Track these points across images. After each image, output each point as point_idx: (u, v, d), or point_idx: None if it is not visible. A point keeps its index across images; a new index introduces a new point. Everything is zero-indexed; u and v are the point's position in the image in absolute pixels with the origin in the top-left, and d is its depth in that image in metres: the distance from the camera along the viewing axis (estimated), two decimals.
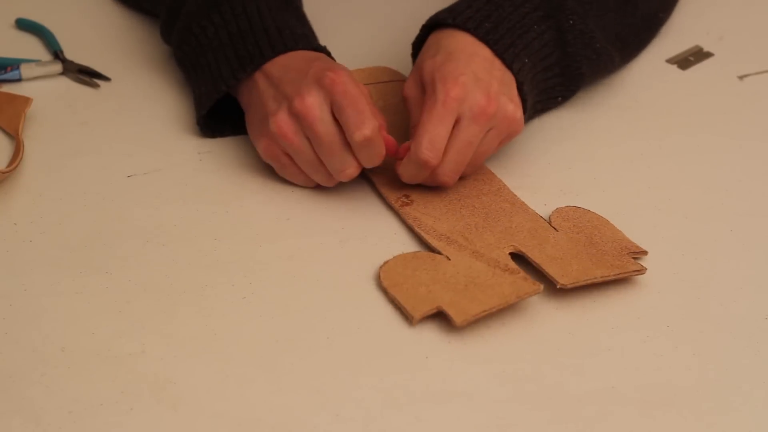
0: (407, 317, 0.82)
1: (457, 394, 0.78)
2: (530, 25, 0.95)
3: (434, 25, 0.95)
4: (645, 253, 0.88)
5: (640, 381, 0.79)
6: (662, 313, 0.85)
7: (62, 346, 0.80)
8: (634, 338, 0.83)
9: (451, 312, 0.81)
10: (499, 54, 0.92)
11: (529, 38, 0.94)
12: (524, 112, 0.94)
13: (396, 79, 1.04)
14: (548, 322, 0.83)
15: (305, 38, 0.95)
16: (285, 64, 0.92)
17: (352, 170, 0.90)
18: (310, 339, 0.81)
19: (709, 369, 0.81)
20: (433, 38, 0.94)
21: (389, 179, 0.94)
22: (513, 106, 0.91)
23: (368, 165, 0.89)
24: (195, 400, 0.77)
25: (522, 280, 0.84)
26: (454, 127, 0.89)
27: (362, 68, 1.04)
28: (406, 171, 0.90)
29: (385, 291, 0.84)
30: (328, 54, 0.97)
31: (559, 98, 1.01)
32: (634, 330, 0.83)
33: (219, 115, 0.99)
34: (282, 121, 0.90)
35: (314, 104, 0.88)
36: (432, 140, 0.88)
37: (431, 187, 0.93)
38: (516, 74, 0.93)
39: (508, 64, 0.92)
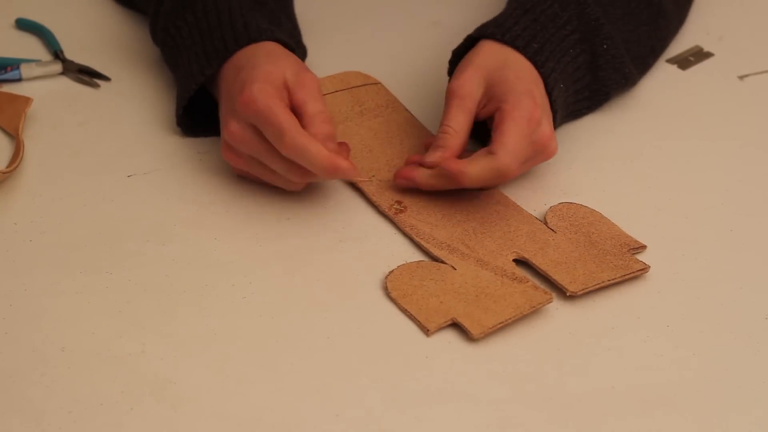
0: (421, 328, 0.82)
1: (457, 394, 0.78)
2: (567, 48, 0.95)
3: (480, 36, 0.94)
4: (644, 247, 0.88)
5: (640, 381, 0.79)
6: (662, 313, 0.85)
7: (62, 346, 0.80)
8: (634, 338, 0.83)
9: (466, 324, 0.81)
10: (544, 78, 0.93)
11: (565, 61, 0.95)
12: None
13: (368, 82, 1.04)
14: (548, 322, 0.83)
15: (269, 32, 0.95)
16: (239, 65, 0.92)
17: (296, 182, 0.89)
18: (310, 339, 0.81)
19: (709, 369, 0.81)
20: (492, 46, 0.93)
21: (378, 188, 0.93)
22: (555, 146, 0.92)
23: (320, 174, 0.87)
24: (195, 400, 0.77)
25: (532, 289, 0.84)
26: None
27: (334, 74, 1.03)
28: (477, 174, 0.88)
29: (394, 302, 0.84)
30: (297, 47, 0.97)
31: (582, 117, 1.02)
32: (634, 330, 0.83)
33: (202, 115, 0.99)
34: (224, 150, 0.91)
35: (236, 130, 0.88)
36: (517, 156, 0.88)
37: (421, 192, 0.92)
38: (552, 103, 0.93)
39: (549, 91, 0.93)
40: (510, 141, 0.88)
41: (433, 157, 0.90)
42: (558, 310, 0.84)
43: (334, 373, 0.79)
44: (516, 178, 0.93)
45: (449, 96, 0.91)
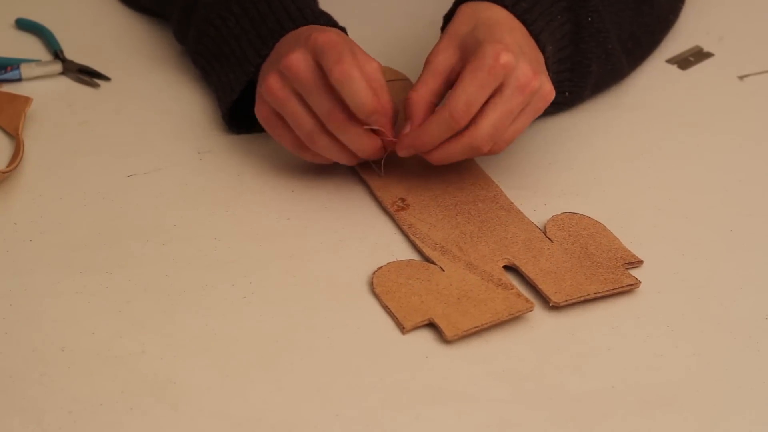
0: (398, 325, 0.82)
1: (457, 394, 0.78)
2: (555, 13, 0.94)
3: None
4: (640, 262, 0.88)
5: (640, 381, 0.79)
6: (662, 313, 0.85)
7: (62, 346, 0.80)
8: (634, 338, 0.83)
9: (442, 325, 0.81)
10: (534, 35, 0.91)
11: (552, 27, 0.94)
12: None
13: (398, 78, 1.04)
14: (548, 321, 0.83)
15: (325, 15, 0.95)
16: (290, 37, 0.92)
17: (325, 142, 0.88)
18: (310, 339, 0.81)
19: (709, 369, 0.81)
20: (467, 9, 0.92)
21: (384, 183, 0.93)
22: (550, 86, 0.89)
23: (356, 110, 0.86)
24: (195, 400, 0.77)
25: (515, 296, 0.84)
26: (494, 94, 0.87)
27: None
28: (431, 130, 0.87)
29: (377, 297, 0.84)
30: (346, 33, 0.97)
31: (566, 93, 1.00)
32: (634, 330, 0.83)
33: (244, 111, 0.99)
34: (271, 79, 0.90)
35: (298, 58, 0.87)
36: (469, 102, 0.85)
37: (427, 191, 0.92)
38: (545, 60, 0.92)
39: (541, 48, 0.91)
40: (460, 92, 0.85)
41: (404, 131, 0.89)
42: (558, 310, 0.84)
43: (334, 373, 0.79)
44: (488, 160, 0.92)
45: (426, 65, 0.90)
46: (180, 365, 0.79)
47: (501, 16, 0.91)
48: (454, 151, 0.89)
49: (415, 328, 0.82)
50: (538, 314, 0.84)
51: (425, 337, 0.82)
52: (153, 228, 0.90)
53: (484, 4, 0.92)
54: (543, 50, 0.92)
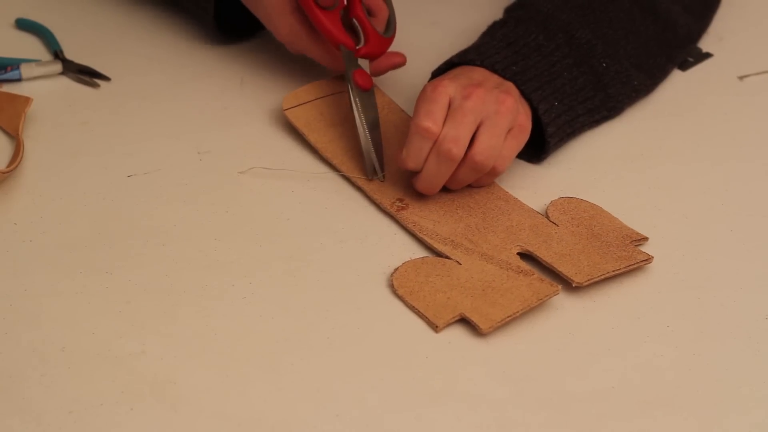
0: (430, 325, 0.82)
1: (457, 394, 0.78)
2: (560, 71, 0.97)
3: (460, 62, 0.96)
4: (646, 239, 0.89)
5: (640, 381, 0.79)
6: (662, 313, 0.85)
7: (62, 346, 0.80)
8: (634, 338, 0.83)
9: (474, 319, 0.81)
10: (527, 94, 0.94)
11: (558, 84, 0.96)
12: (545, 151, 0.96)
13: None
14: (548, 322, 0.83)
15: None
16: None
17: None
18: (310, 339, 0.81)
19: (709, 369, 0.81)
20: (459, 69, 0.95)
21: (379, 186, 0.94)
22: (525, 118, 0.92)
23: None
24: (195, 400, 0.77)
25: (538, 281, 0.84)
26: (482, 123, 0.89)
27: (331, 78, 1.03)
28: (409, 148, 0.89)
29: (401, 299, 0.84)
30: None
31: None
32: (634, 330, 0.83)
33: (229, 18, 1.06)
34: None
35: None
36: (428, 112, 0.88)
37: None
38: (542, 115, 0.94)
39: (535, 105, 0.94)
40: (416, 109, 0.89)
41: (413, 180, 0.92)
42: (558, 310, 0.84)
43: (334, 373, 0.79)
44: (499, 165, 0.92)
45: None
46: (180, 365, 0.79)
47: (488, 75, 0.93)
48: (463, 176, 0.90)
49: (447, 325, 0.82)
50: (538, 314, 0.84)
51: (426, 337, 0.82)
52: (153, 228, 0.90)
53: (475, 68, 0.94)
54: (537, 105, 0.94)
